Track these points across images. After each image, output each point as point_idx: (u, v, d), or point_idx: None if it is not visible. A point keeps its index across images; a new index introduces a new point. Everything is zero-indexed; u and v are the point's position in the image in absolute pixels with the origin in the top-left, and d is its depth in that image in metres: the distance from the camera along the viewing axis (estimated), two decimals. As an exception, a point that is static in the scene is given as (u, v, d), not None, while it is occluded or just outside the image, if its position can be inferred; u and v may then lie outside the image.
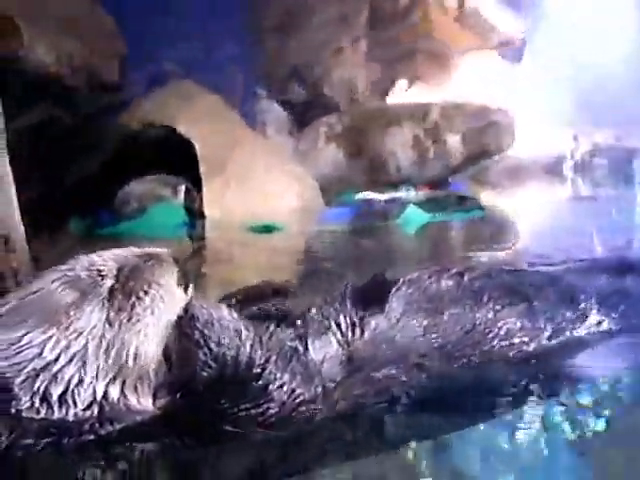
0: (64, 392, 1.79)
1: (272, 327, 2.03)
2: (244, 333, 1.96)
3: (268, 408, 1.85)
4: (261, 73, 12.26)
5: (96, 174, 8.55)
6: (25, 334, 1.80)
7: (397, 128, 12.03)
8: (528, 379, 2.24)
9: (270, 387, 1.88)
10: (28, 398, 1.78)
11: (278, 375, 1.90)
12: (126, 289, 1.88)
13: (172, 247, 2.13)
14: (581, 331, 2.46)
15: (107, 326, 1.84)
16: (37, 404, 1.78)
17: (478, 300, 2.34)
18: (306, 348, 2.03)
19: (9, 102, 3.36)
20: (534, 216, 8.29)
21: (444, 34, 14.30)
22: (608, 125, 13.82)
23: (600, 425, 1.90)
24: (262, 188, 9.04)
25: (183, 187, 8.45)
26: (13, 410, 1.77)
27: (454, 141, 12.23)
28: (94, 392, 1.81)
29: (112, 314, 1.85)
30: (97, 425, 1.80)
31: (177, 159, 8.76)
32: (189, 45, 10.69)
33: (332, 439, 1.92)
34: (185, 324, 1.92)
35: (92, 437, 1.79)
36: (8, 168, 3.14)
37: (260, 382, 1.88)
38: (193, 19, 10.20)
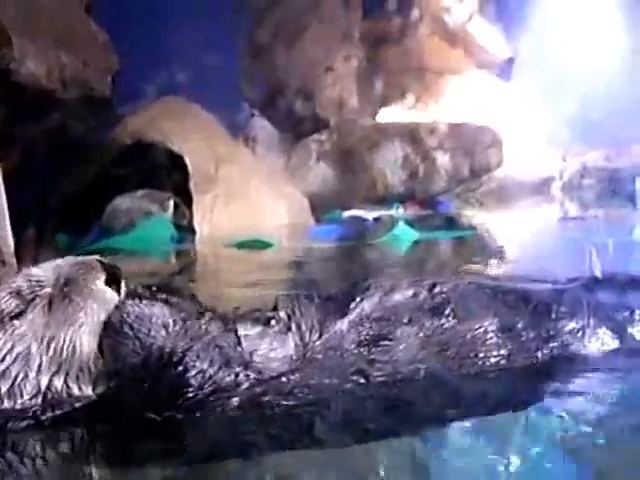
0: (11, 386, 2.11)
1: (203, 321, 2.24)
2: (171, 326, 2.18)
3: (185, 392, 2.09)
4: (252, 90, 12.30)
5: (85, 189, 8.53)
6: None
7: (387, 146, 12.10)
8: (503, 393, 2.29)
9: (187, 373, 2.10)
10: None
11: (197, 363, 2.11)
12: (62, 295, 2.18)
13: (160, 262, 2.28)
14: (570, 347, 2.45)
15: (46, 328, 2.14)
16: None
17: (450, 314, 2.36)
18: (238, 342, 2.21)
19: None
20: (522, 236, 8.31)
21: (434, 54, 14.42)
22: (597, 145, 13.92)
23: (595, 444, 1.91)
24: (252, 204, 9.05)
25: (172, 202, 8.44)
26: None
27: (443, 160, 12.31)
28: (38, 384, 2.12)
29: (51, 317, 2.16)
30: (39, 412, 2.10)
31: (167, 175, 8.77)
32: (181, 61, 10.72)
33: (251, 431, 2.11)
34: (116, 319, 2.17)
35: (34, 422, 2.09)
36: (0, 183, 3.13)
37: (179, 368, 2.10)
38: (185, 36, 10.23)
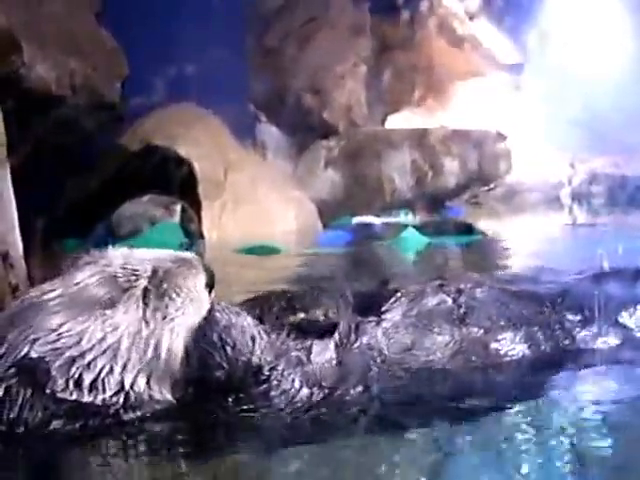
0: (95, 379, 1.99)
1: (283, 335, 2.18)
2: (258, 340, 2.11)
3: (266, 412, 2.04)
4: (261, 96, 12.31)
5: (94, 194, 8.55)
6: (65, 322, 1.99)
7: (395, 152, 12.08)
8: (525, 393, 2.32)
9: (272, 393, 2.06)
10: (63, 381, 1.97)
11: (282, 383, 2.07)
12: (160, 291, 2.06)
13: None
14: (582, 346, 2.52)
15: (144, 324, 2.02)
16: (71, 387, 1.98)
17: (474, 317, 2.41)
18: (308, 357, 2.17)
19: (9, 120, 3.36)
20: (531, 242, 8.28)
21: (443, 60, 14.40)
22: (606, 152, 13.87)
23: (604, 442, 1.93)
24: (260, 210, 9.05)
25: (178, 206, 8.43)
26: (49, 390, 1.96)
27: (452, 166, 12.29)
28: (122, 382, 2.00)
29: (148, 313, 2.04)
30: (121, 411, 2.00)
31: (176, 180, 8.77)
32: (190, 67, 10.74)
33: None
34: (207, 326, 2.08)
35: (114, 420, 1.99)
36: (9, 185, 3.13)
37: (264, 386, 2.05)
38: (194, 41, 10.25)
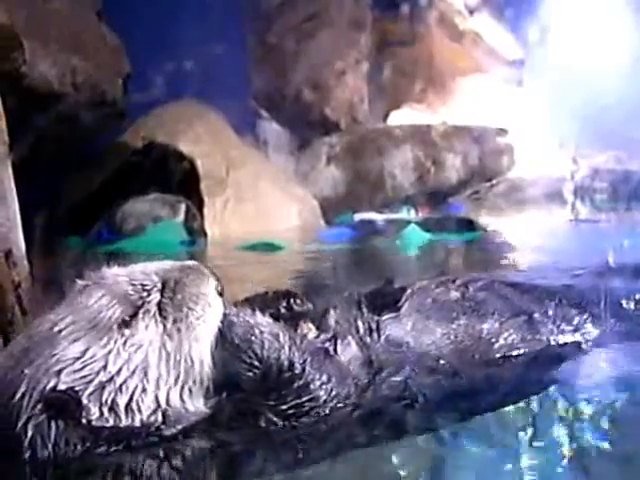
0: (129, 401, 1.93)
1: (303, 330, 2.20)
2: (281, 336, 2.08)
3: (312, 406, 2.02)
4: (263, 93, 12.30)
5: (97, 191, 8.55)
6: (87, 348, 1.94)
7: (397, 149, 12.07)
8: (532, 385, 2.36)
9: (311, 386, 2.03)
10: (97, 409, 1.92)
11: (317, 376, 2.04)
12: (175, 302, 2.03)
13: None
14: (583, 338, 2.55)
15: (167, 338, 2.00)
16: (106, 414, 1.92)
17: (483, 311, 2.44)
18: (335, 350, 2.18)
19: (11, 118, 3.35)
20: (534, 237, 8.28)
21: (445, 57, 14.38)
22: (609, 147, 13.85)
23: (600, 436, 1.95)
24: (263, 207, 9.05)
25: (183, 205, 8.44)
26: (84, 420, 1.90)
27: (454, 163, 12.27)
28: (157, 399, 1.96)
29: (169, 326, 2.01)
30: (163, 427, 1.95)
31: (178, 177, 8.77)
32: (191, 64, 10.73)
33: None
34: (227, 330, 2.06)
35: (157, 439, 1.94)
36: (12, 183, 3.12)
37: (302, 381, 2.03)
38: (195, 38, 10.24)
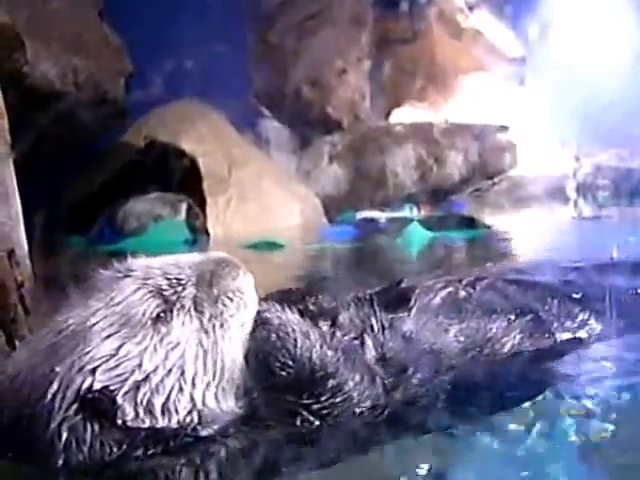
0: (166, 401, 1.85)
1: (327, 328, 2.13)
2: (311, 334, 2.02)
3: (347, 406, 1.98)
4: (264, 91, 12.29)
5: (99, 190, 8.55)
6: (121, 345, 1.84)
7: (399, 147, 12.07)
8: (538, 382, 2.37)
9: (345, 386, 1.98)
10: (132, 409, 1.82)
11: (350, 375, 2.00)
12: (211, 297, 1.95)
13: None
14: (587, 335, 2.56)
15: (203, 335, 1.91)
16: (142, 414, 1.83)
17: (491, 310, 2.44)
18: (362, 348, 2.14)
19: (13, 118, 3.36)
20: (537, 235, 8.27)
21: (446, 55, 14.36)
22: (612, 145, 13.83)
23: (606, 430, 1.95)
24: (265, 206, 9.04)
25: (184, 204, 8.44)
26: (119, 421, 1.80)
27: (456, 161, 12.26)
28: (192, 399, 1.87)
29: (205, 322, 1.93)
30: (199, 428, 1.87)
31: (180, 177, 8.77)
32: (192, 63, 10.73)
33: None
34: (260, 327, 1.98)
35: (193, 440, 1.87)
36: (14, 182, 3.13)
37: (335, 381, 1.97)
38: (196, 37, 10.23)
